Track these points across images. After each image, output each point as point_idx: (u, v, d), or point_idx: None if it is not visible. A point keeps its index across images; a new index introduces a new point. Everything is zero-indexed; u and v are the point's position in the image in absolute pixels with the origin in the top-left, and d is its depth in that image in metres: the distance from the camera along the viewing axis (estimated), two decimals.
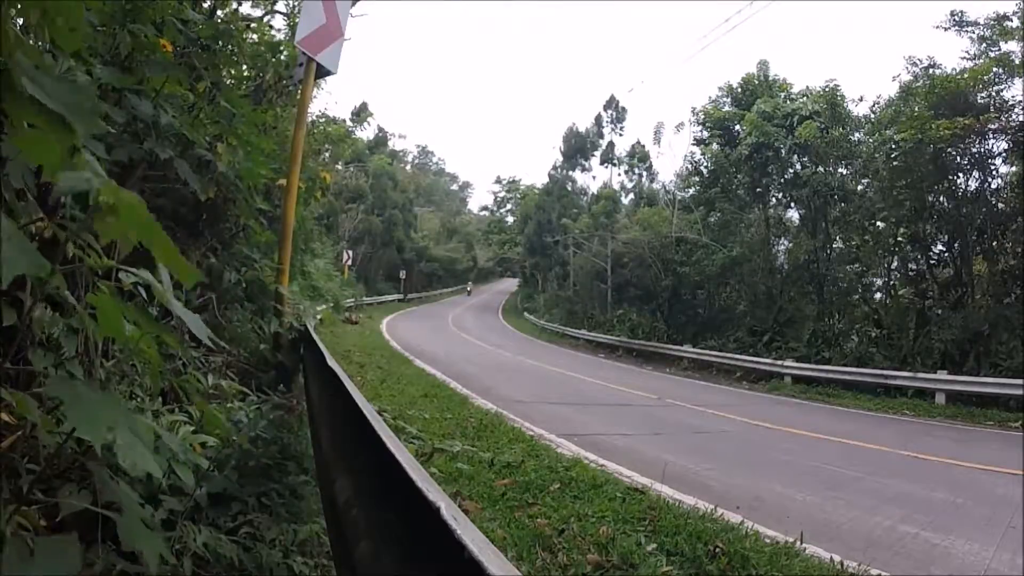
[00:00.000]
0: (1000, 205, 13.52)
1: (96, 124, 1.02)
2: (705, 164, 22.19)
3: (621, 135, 44.99)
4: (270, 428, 2.62)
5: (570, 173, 44.90)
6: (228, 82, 3.77)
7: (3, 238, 0.80)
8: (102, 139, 2.04)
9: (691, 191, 24.61)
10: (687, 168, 25.09)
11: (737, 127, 20.31)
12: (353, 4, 4.93)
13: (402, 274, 39.36)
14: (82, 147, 1.06)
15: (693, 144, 23.32)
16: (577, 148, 44.27)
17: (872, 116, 16.99)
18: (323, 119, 13.08)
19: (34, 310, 1.36)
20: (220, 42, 3.23)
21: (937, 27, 13.62)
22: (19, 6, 1.19)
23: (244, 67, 4.62)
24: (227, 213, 3.46)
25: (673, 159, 73.23)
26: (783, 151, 18.14)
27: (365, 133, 38.45)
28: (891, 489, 5.34)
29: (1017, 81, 12.54)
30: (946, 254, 14.69)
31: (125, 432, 1.04)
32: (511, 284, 54.98)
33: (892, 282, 16.44)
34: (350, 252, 30.01)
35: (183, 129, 2.44)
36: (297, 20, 4.50)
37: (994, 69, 12.61)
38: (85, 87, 1.08)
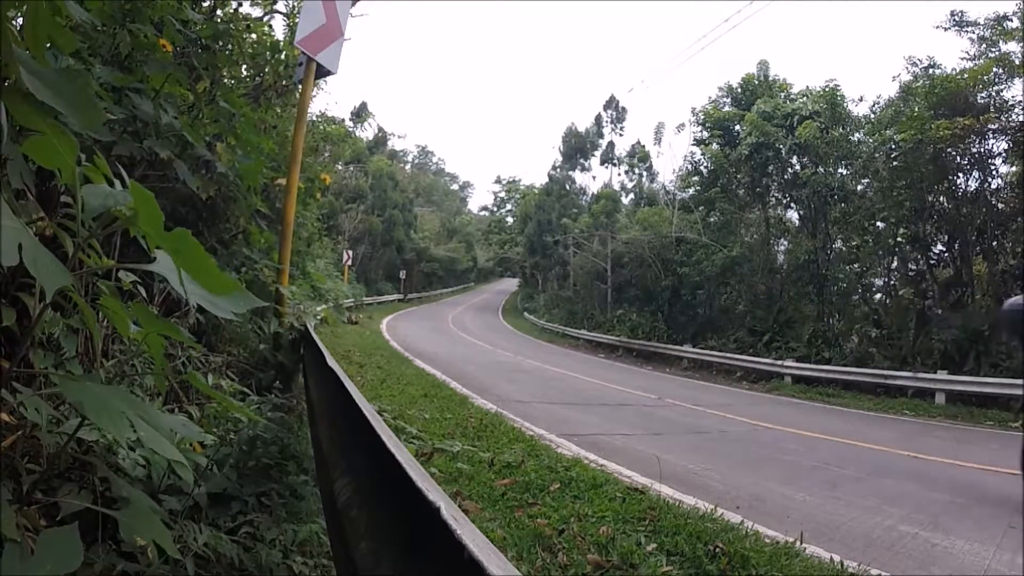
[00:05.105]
0: (1000, 205, 13.52)
1: (98, 114, 1.02)
2: (705, 164, 22.19)
3: (621, 135, 44.85)
4: (270, 428, 2.62)
5: (570, 173, 44.78)
6: (228, 82, 3.77)
7: (30, 258, 0.81)
8: (110, 126, 2.04)
9: (691, 191, 24.58)
10: (687, 168, 25.06)
11: (737, 127, 20.30)
12: (353, 4, 4.93)
13: (402, 274, 39.31)
14: (91, 144, 1.05)
15: (693, 144, 23.31)
16: (577, 148, 44.17)
17: (872, 116, 17.01)
18: (323, 119, 13.04)
19: (44, 315, 1.36)
20: (220, 42, 3.23)
21: (937, 27, 13.68)
22: (18, 5, 1.19)
23: (244, 67, 4.62)
24: (227, 213, 3.46)
25: (673, 159, 72.96)
26: (783, 151, 18.13)
27: (365, 133, 38.41)
28: (891, 489, 5.34)
29: (1017, 81, 12.55)
30: (946, 254, 14.69)
31: (144, 425, 1.05)
32: (511, 284, 54.94)
33: (892, 282, 16.44)
34: (350, 252, 30.00)
35: (183, 129, 2.44)
36: (297, 20, 4.50)
37: (994, 69, 12.61)
38: (83, 76, 1.08)
